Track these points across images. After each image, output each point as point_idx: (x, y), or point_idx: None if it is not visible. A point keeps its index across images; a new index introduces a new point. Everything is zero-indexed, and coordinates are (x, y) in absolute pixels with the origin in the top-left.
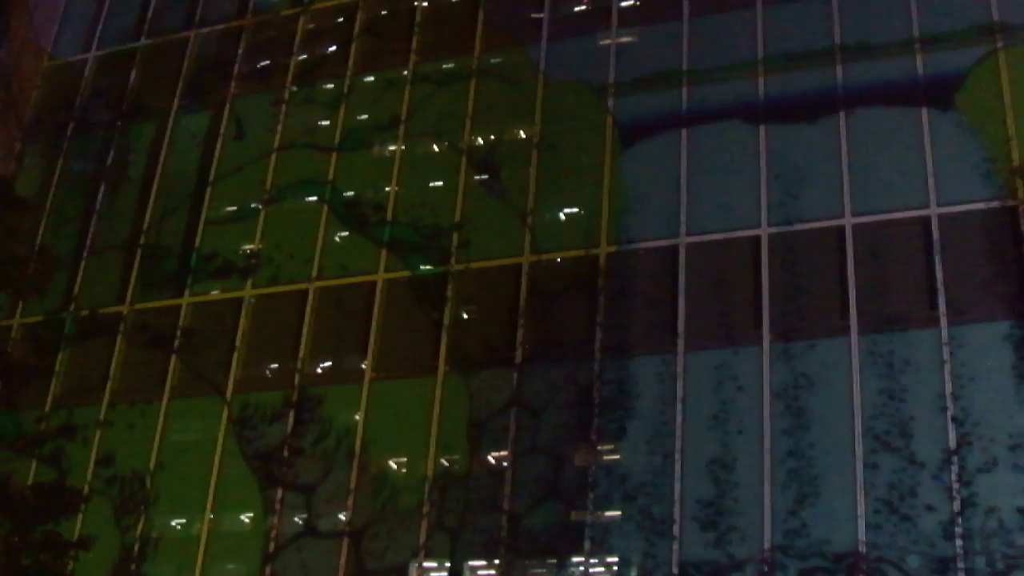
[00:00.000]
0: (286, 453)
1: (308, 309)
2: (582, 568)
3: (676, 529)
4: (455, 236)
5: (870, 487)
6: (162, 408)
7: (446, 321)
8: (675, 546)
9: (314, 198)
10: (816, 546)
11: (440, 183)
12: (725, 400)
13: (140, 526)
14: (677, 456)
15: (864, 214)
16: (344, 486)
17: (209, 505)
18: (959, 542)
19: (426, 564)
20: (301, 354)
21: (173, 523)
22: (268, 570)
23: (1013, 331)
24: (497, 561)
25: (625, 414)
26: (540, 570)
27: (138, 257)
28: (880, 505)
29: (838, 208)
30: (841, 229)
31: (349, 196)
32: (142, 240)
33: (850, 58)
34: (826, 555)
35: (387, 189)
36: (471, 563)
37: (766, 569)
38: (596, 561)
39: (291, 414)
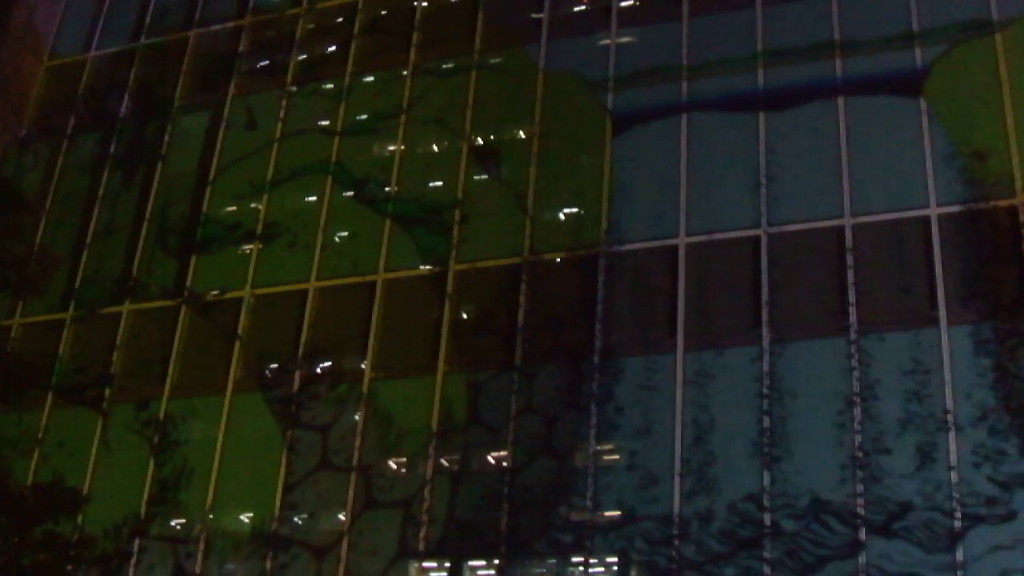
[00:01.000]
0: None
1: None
2: (582, 568)
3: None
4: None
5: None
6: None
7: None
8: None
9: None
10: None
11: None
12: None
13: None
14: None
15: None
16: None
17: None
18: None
19: (426, 564)
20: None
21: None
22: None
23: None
24: (497, 561)
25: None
26: (540, 570)
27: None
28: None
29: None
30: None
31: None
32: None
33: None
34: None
35: (389, 185)
36: (471, 563)
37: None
38: (596, 561)
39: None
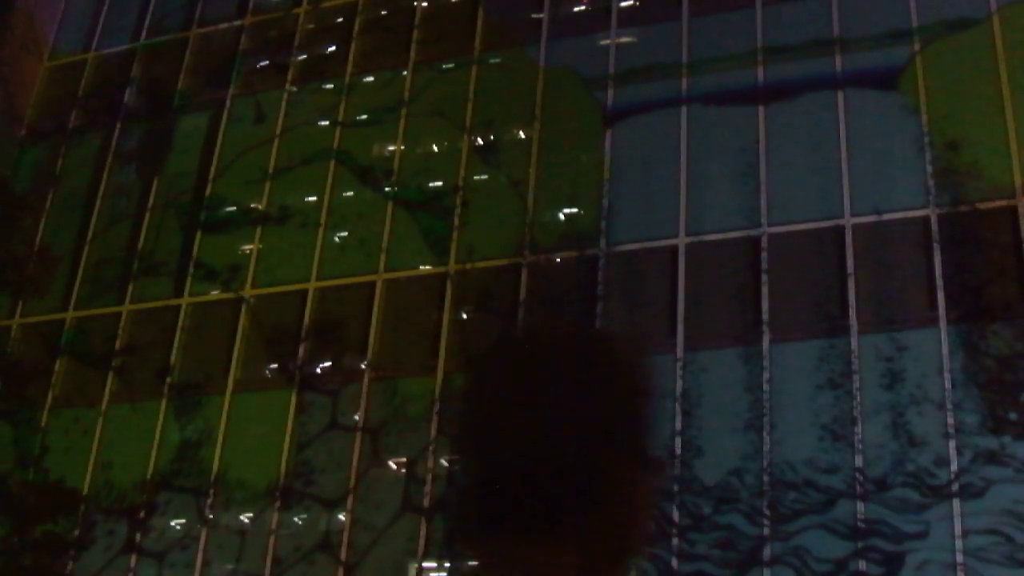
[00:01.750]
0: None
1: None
2: None
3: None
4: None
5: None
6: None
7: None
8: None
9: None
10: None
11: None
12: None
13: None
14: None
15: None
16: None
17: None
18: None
19: (426, 564)
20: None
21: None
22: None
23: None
24: None
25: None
26: None
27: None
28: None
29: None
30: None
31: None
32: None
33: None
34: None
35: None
36: (471, 563)
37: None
38: None
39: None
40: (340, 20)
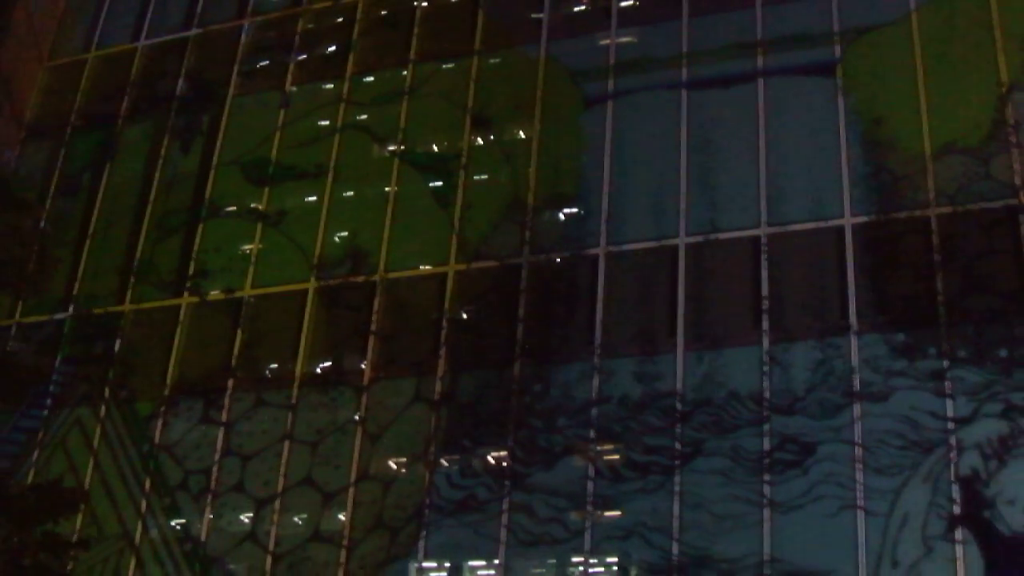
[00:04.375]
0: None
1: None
2: (582, 568)
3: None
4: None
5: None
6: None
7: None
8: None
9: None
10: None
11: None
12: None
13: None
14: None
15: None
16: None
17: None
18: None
19: (425, 564)
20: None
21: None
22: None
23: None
24: (497, 561)
25: None
26: (540, 570)
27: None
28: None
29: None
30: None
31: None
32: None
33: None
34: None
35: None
36: (471, 563)
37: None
38: (596, 561)
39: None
40: (353, 18)
